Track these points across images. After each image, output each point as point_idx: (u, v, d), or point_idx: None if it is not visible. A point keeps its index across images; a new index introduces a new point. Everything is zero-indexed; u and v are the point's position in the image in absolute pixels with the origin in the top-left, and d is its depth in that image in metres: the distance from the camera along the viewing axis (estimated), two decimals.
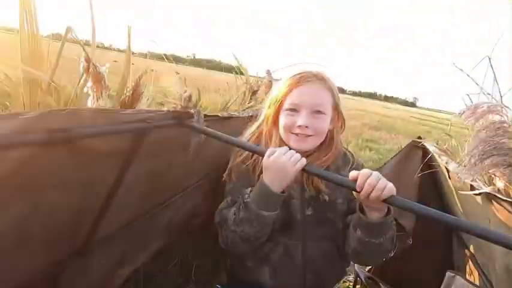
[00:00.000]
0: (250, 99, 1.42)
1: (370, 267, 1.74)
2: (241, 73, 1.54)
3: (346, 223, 0.85)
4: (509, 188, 0.71)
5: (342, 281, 1.98)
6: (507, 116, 0.59)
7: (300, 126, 0.82)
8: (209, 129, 0.80)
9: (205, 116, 0.92)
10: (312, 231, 0.86)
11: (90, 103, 0.63)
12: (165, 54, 1.03)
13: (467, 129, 0.76)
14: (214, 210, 0.98)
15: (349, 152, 0.94)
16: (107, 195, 0.74)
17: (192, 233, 2.16)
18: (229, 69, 1.67)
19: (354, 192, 0.68)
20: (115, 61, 0.76)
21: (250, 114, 1.35)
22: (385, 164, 1.70)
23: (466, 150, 0.60)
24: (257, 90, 1.53)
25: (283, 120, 0.85)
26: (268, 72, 1.64)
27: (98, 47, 0.62)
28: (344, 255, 0.89)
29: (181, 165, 1.01)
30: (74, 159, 0.57)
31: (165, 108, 0.79)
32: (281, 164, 0.70)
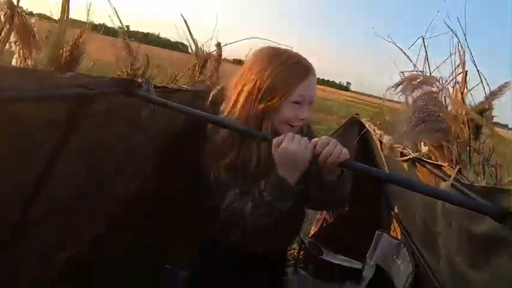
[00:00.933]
0: (200, 73, 1.36)
1: (312, 234, 1.89)
2: (185, 48, 1.47)
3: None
4: (432, 152, 0.83)
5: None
6: (437, 88, 0.68)
7: (302, 119, 0.81)
8: (161, 99, 0.74)
9: (154, 86, 0.86)
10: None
11: (16, 63, 0.53)
12: (104, 24, 0.92)
13: (399, 104, 0.86)
14: (163, 189, 0.94)
15: (308, 126, 0.98)
16: (41, 171, 0.65)
17: (139, 214, 2.06)
18: (170, 44, 1.56)
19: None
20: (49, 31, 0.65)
21: (200, 89, 1.30)
22: None
23: (401, 118, 0.68)
24: (205, 65, 1.47)
25: (287, 111, 0.79)
26: (219, 45, 1.58)
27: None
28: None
29: (127, 140, 0.94)
30: (1, 131, 0.49)
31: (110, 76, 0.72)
32: (292, 152, 0.68)
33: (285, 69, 0.79)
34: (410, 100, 0.69)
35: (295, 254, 2.01)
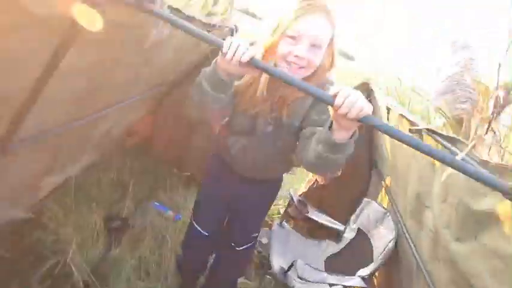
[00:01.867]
0: (214, 3, 1.24)
1: (301, 193, 1.93)
2: None
3: (301, 135, 0.92)
4: (449, 124, 0.80)
5: (274, 204, 2.19)
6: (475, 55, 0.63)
7: (296, 56, 0.81)
8: (173, 16, 0.66)
9: (170, 7, 0.77)
10: (267, 142, 0.99)
11: None
12: None
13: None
14: (157, 127, 0.93)
15: (329, 82, 0.93)
16: (35, 82, 0.59)
17: (129, 149, 2.04)
18: None
19: (330, 109, 0.67)
20: None
21: (214, 23, 1.20)
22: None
23: (440, 80, 0.64)
24: None
25: (281, 46, 0.83)
26: None
27: None
28: (288, 160, 1.05)
29: (129, 66, 0.87)
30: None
31: None
32: (229, 54, 0.70)
33: (294, 7, 0.82)
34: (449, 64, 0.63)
35: (282, 208, 2.09)
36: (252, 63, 0.68)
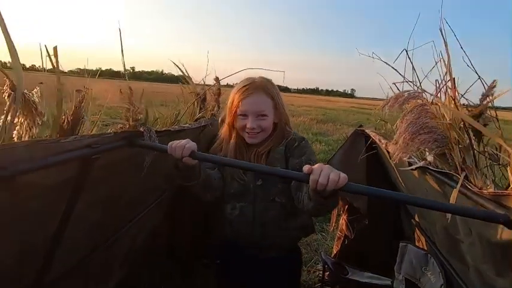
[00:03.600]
0: (200, 108, 1.41)
1: (334, 253, 1.84)
2: (187, 82, 1.53)
3: (291, 188, 1.08)
4: (437, 159, 0.82)
5: (312, 271, 2.06)
6: (426, 99, 0.68)
7: (249, 127, 1.09)
8: (160, 145, 0.78)
9: (157, 132, 0.89)
10: (263, 195, 1.13)
11: (22, 134, 0.57)
12: (100, 69, 0.97)
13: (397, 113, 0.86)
14: (178, 226, 1.01)
15: (297, 136, 1.18)
16: (56, 229, 0.68)
17: (157, 254, 2.06)
18: (173, 79, 1.63)
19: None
20: (41, 83, 0.70)
21: (202, 124, 1.34)
22: (334, 154, 1.81)
23: (397, 133, 0.68)
24: (205, 99, 1.52)
25: (237, 123, 1.12)
26: (217, 79, 1.64)
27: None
28: (292, 212, 1.13)
29: (136, 185, 0.97)
30: (13, 197, 0.52)
31: (111, 130, 0.75)
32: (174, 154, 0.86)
33: (236, 92, 1.12)
34: (402, 114, 0.69)
35: (320, 275, 1.95)
36: (193, 158, 0.83)
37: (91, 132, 0.71)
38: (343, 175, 0.67)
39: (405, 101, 0.66)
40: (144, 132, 0.80)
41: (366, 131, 1.70)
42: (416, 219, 1.55)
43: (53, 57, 0.58)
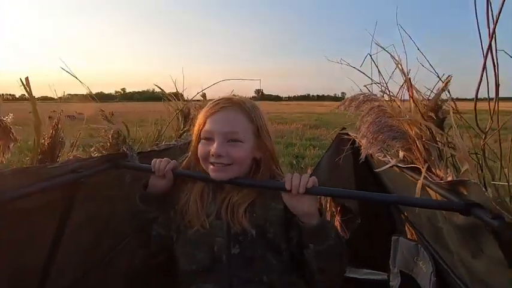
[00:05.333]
0: (185, 123, 1.46)
1: None
2: (173, 99, 1.57)
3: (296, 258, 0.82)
4: (406, 155, 0.87)
5: None
6: (385, 100, 0.74)
7: (213, 154, 0.76)
8: (145, 165, 0.82)
9: (142, 152, 0.93)
10: (240, 273, 0.78)
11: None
12: (90, 95, 1.00)
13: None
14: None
15: (280, 176, 0.85)
16: (48, 253, 0.71)
17: (157, 270, 2.06)
18: (164, 97, 1.68)
19: (284, 198, 0.75)
20: (30, 112, 0.73)
21: (188, 141, 1.39)
22: (319, 160, 1.86)
23: (360, 134, 0.74)
24: (189, 114, 1.57)
25: (199, 149, 0.80)
26: (204, 96, 1.68)
27: None
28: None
29: (124, 201, 1.00)
30: (1, 226, 0.56)
31: (94, 149, 0.79)
32: (157, 171, 0.79)
33: (204, 110, 0.83)
34: (361, 116, 0.75)
35: None
36: (175, 174, 0.80)
37: (72, 152, 0.75)
38: (312, 177, 0.72)
39: (360, 103, 0.72)
40: (127, 151, 0.84)
41: (349, 133, 1.76)
42: (405, 214, 1.59)
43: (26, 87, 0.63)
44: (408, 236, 1.57)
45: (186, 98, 1.57)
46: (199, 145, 0.80)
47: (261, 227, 0.78)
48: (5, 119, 0.65)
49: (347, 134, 1.74)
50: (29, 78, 0.68)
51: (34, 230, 0.64)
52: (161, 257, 0.89)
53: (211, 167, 0.77)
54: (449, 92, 0.78)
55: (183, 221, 0.81)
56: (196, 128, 0.82)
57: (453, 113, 0.76)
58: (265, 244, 0.78)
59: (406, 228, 1.63)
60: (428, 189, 0.71)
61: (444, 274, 1.20)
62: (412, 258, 1.43)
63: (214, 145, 0.76)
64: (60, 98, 0.87)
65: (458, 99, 0.80)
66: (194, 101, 1.65)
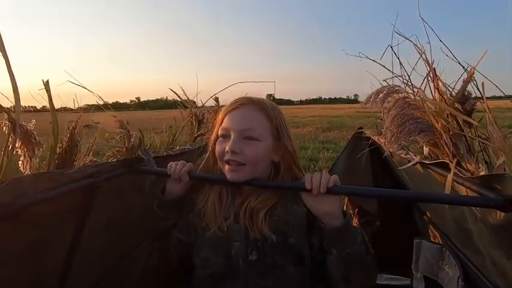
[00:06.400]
0: (199, 128, 1.45)
1: None
2: (185, 106, 1.58)
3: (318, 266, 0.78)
4: (432, 151, 0.83)
5: None
6: (413, 92, 0.70)
7: (228, 151, 0.74)
8: (160, 169, 0.81)
9: (157, 157, 0.93)
10: (257, 281, 0.74)
11: (22, 165, 0.62)
12: (104, 104, 1.02)
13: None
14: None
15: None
16: (66, 257, 0.70)
17: (172, 277, 2.05)
18: (177, 105, 1.69)
19: (304, 198, 0.72)
20: (50, 122, 0.74)
21: (203, 144, 1.38)
22: (336, 161, 1.82)
23: (384, 127, 0.70)
24: (203, 119, 1.57)
25: (216, 148, 0.79)
26: (217, 100, 1.68)
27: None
28: None
29: (141, 207, 1.00)
30: (21, 230, 0.55)
31: (110, 154, 0.79)
32: (173, 174, 0.79)
33: (223, 110, 0.83)
34: (386, 109, 0.71)
35: None
36: (191, 177, 0.79)
37: (88, 156, 0.75)
38: (333, 176, 0.69)
39: (386, 95, 0.69)
40: (144, 156, 0.84)
41: (366, 132, 1.72)
42: (428, 215, 1.53)
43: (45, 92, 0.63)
44: (431, 239, 1.51)
45: (199, 103, 1.57)
46: (217, 143, 0.79)
47: (282, 231, 0.75)
48: (27, 124, 0.66)
49: (364, 134, 1.70)
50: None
51: (52, 234, 0.64)
52: (174, 264, 0.88)
53: (227, 166, 0.76)
54: (475, 81, 0.74)
55: (200, 224, 0.80)
56: (215, 127, 0.82)
57: (482, 102, 0.71)
58: (285, 250, 0.75)
59: (430, 231, 1.57)
60: (458, 186, 0.66)
61: (473, 278, 1.13)
62: (437, 262, 1.36)
63: (230, 141, 0.75)
64: (79, 108, 0.87)
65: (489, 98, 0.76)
66: (207, 106, 1.65)
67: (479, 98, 0.73)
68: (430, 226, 1.54)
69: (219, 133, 0.79)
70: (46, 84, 0.62)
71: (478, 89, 0.73)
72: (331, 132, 10.43)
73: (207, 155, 0.85)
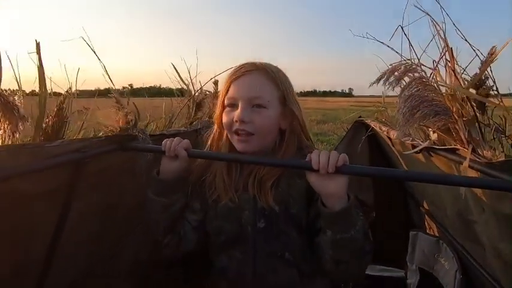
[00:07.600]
0: (196, 111, 1.39)
1: None
2: (182, 93, 1.51)
3: (311, 237, 0.78)
4: (442, 137, 0.79)
5: None
6: (424, 72, 0.66)
7: (237, 120, 0.73)
8: (155, 146, 0.75)
9: (150, 135, 0.87)
10: (264, 246, 0.78)
11: (1, 139, 0.55)
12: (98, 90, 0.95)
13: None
14: None
15: (308, 147, 0.82)
16: (50, 244, 0.65)
17: (165, 265, 2.01)
18: (172, 92, 1.61)
19: (309, 177, 0.68)
20: (37, 94, 0.67)
21: (198, 127, 1.32)
22: (335, 148, 1.78)
23: (396, 109, 0.66)
24: (201, 102, 1.50)
25: (224, 118, 0.78)
26: (216, 83, 1.60)
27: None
28: (306, 275, 0.81)
29: (134, 191, 0.94)
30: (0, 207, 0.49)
31: (102, 133, 0.73)
32: (168, 151, 0.73)
33: (227, 76, 0.80)
34: (400, 89, 0.66)
35: None
36: (189, 154, 0.73)
37: (78, 135, 0.69)
38: (342, 154, 0.64)
39: (402, 74, 0.63)
40: (138, 134, 0.78)
41: (366, 121, 1.68)
42: (426, 206, 1.51)
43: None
44: (427, 231, 1.50)
45: (197, 85, 1.50)
46: (223, 114, 0.78)
47: (284, 202, 0.77)
48: (9, 94, 0.59)
49: (364, 122, 1.66)
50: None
51: (36, 218, 0.58)
52: (191, 248, 0.86)
53: (236, 137, 0.76)
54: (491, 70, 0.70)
55: (211, 196, 0.80)
56: (220, 97, 0.81)
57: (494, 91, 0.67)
58: (288, 220, 0.77)
59: (426, 223, 1.55)
60: (473, 172, 0.63)
61: (471, 271, 1.12)
62: (433, 254, 1.35)
63: (238, 110, 0.74)
64: (68, 91, 0.79)
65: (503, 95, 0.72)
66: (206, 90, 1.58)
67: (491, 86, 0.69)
68: (427, 218, 1.53)
69: (226, 102, 0.78)
70: (37, 46, 0.55)
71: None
72: (326, 125, 10.42)
73: (213, 128, 0.84)
